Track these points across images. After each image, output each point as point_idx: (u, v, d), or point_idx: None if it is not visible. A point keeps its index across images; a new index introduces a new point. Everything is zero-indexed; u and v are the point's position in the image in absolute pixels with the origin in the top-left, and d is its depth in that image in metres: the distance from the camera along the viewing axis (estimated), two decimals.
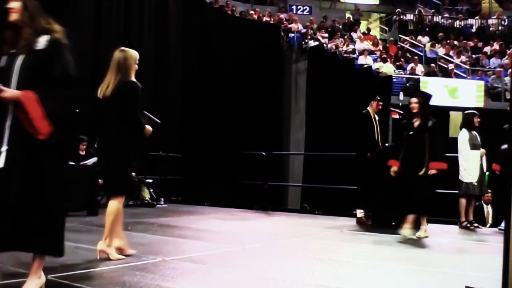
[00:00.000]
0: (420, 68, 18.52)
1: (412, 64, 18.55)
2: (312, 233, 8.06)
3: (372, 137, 9.43)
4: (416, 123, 7.86)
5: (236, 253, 6.00)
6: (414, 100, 8.01)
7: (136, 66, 5.37)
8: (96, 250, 5.23)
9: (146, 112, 5.57)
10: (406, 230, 7.59)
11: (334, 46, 19.46)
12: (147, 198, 11.96)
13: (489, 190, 9.90)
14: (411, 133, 7.86)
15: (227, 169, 14.58)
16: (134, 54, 5.39)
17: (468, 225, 9.14)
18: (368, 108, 9.61)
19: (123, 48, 5.42)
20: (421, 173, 7.54)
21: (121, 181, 5.32)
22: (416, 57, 19.29)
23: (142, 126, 5.32)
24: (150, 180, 12.40)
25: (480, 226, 9.31)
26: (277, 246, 6.62)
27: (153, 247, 5.36)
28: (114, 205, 5.21)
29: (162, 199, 12.58)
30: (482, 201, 10.89)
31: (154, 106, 13.08)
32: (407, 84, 17.41)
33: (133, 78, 5.29)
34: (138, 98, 5.25)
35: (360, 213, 9.44)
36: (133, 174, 9.41)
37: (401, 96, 16.53)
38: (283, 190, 17.67)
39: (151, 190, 12.35)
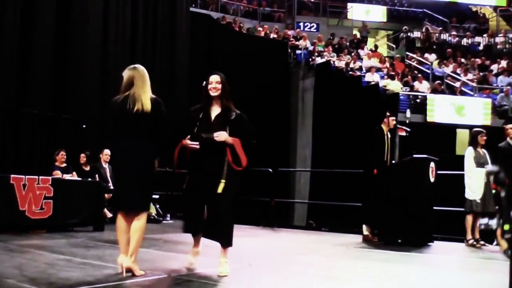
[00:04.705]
0: (426, 86, 18.54)
1: (417, 82, 18.61)
2: (318, 250, 8.04)
3: (381, 154, 9.37)
4: (214, 113, 5.49)
5: (242, 270, 5.98)
6: (216, 79, 5.58)
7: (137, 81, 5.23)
8: (120, 265, 5.11)
9: None
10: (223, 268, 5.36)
11: (341, 63, 19.51)
12: (153, 214, 11.94)
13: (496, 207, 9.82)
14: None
15: None
16: (126, 71, 5.33)
17: (475, 242, 9.11)
18: (382, 125, 9.58)
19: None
20: (219, 190, 5.30)
21: (147, 197, 5.33)
22: (420, 75, 19.31)
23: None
24: (156, 196, 12.33)
25: (487, 244, 9.26)
26: (283, 263, 6.60)
27: (158, 263, 5.35)
28: (142, 221, 5.17)
29: (168, 215, 12.59)
30: None
31: None
32: (417, 101, 17.50)
33: (124, 94, 5.20)
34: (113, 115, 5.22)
35: (366, 230, 9.41)
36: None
37: (408, 114, 16.56)
38: (289, 206, 17.61)
39: (157, 206, 12.37)
